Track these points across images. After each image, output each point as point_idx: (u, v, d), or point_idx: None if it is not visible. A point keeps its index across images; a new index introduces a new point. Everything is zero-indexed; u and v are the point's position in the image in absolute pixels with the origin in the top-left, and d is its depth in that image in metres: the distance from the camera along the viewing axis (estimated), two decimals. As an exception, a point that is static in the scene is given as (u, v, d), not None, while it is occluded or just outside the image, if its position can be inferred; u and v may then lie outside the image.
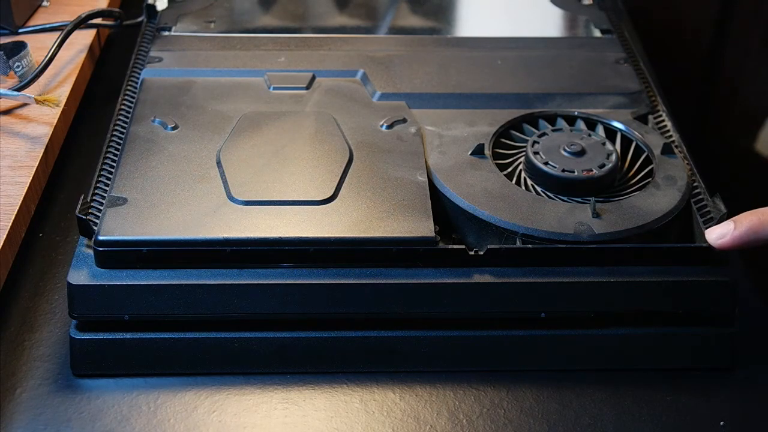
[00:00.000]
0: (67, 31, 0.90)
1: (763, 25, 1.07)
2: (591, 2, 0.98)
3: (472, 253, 0.64)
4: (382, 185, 0.69)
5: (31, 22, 0.97)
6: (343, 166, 0.70)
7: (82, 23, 0.93)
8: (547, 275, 0.64)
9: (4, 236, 0.70)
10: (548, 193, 0.69)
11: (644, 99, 0.81)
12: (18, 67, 0.86)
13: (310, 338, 0.65)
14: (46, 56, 0.87)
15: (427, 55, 0.86)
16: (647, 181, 0.71)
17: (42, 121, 0.82)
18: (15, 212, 0.72)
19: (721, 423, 0.62)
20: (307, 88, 0.81)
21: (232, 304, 0.63)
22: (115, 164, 0.71)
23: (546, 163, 0.70)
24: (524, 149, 0.73)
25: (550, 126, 0.76)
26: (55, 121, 0.82)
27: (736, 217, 0.63)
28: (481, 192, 0.69)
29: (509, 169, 0.72)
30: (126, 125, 0.75)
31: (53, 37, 0.90)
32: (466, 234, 0.68)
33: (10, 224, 0.71)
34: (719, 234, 0.63)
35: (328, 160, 0.71)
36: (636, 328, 0.66)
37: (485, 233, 0.67)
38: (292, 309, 0.64)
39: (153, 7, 0.93)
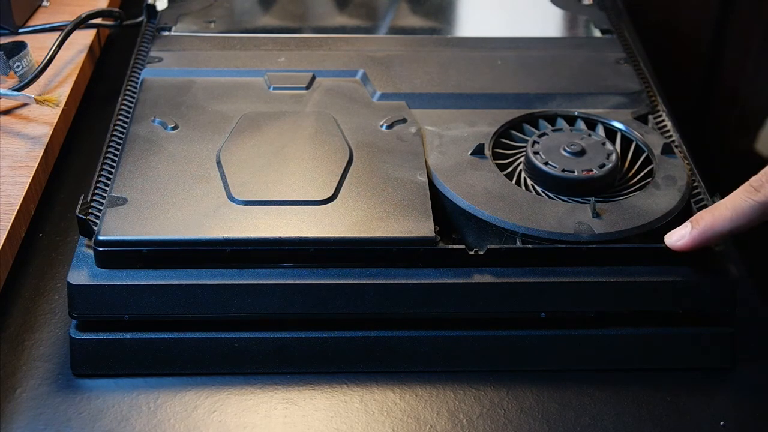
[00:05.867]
0: (67, 31, 0.90)
1: (763, 25, 1.07)
2: (591, 2, 0.98)
3: (472, 253, 0.64)
4: (382, 185, 0.69)
5: (31, 22, 0.97)
6: (343, 166, 0.70)
7: (82, 23, 0.93)
8: (547, 275, 0.64)
9: (4, 236, 0.70)
10: (548, 193, 0.69)
11: (644, 99, 0.81)
12: (18, 67, 0.86)
13: (310, 338, 0.65)
14: (46, 56, 0.87)
15: (427, 55, 0.86)
16: (647, 181, 0.71)
17: (42, 121, 0.82)
18: (15, 212, 0.72)
19: (721, 423, 0.62)
20: (307, 88, 0.81)
21: (232, 304, 0.63)
22: (115, 164, 0.71)
23: (546, 163, 0.70)
24: (524, 149, 0.73)
25: (550, 126, 0.76)
26: (55, 121, 0.82)
27: (692, 217, 0.64)
28: (481, 192, 0.68)
29: (509, 169, 0.72)
30: (126, 125, 0.75)
31: (53, 37, 0.90)
32: (466, 234, 0.68)
33: (10, 224, 0.71)
34: (678, 236, 0.64)
35: (328, 160, 0.71)
36: (636, 328, 0.66)
37: (485, 233, 0.67)
38: (292, 309, 0.64)
39: (153, 7, 0.93)
